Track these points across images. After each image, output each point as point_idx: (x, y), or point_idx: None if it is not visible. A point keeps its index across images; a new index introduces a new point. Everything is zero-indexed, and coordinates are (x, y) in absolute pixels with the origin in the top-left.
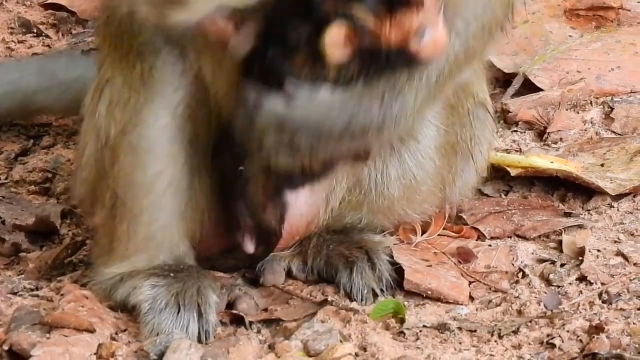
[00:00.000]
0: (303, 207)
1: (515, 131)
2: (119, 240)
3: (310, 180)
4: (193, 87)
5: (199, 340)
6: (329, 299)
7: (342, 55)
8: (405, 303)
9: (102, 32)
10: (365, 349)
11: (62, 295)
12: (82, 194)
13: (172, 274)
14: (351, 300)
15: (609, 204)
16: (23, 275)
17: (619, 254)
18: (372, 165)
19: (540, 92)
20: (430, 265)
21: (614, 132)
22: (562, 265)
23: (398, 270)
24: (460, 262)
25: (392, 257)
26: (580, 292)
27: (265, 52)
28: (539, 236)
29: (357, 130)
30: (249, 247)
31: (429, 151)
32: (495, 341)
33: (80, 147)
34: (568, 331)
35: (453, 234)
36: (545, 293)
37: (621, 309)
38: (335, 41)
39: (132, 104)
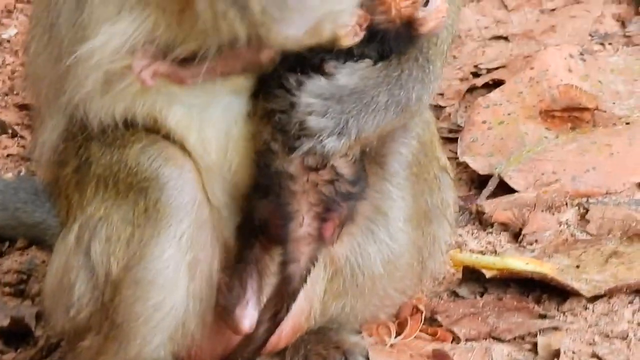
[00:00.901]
0: (302, 300)
1: (491, 232)
2: (105, 354)
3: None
4: (196, 215)
5: None
6: None
7: (353, 38)
8: None
9: (73, 179)
10: None
11: None
12: (70, 329)
13: None
14: None
15: (584, 306)
16: None
17: (594, 355)
18: (348, 250)
19: (516, 194)
20: None
21: (589, 233)
22: None
23: None
24: None
25: (368, 358)
26: None
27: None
28: (515, 338)
29: (402, 97)
30: (246, 321)
31: (399, 223)
32: None
33: (61, 286)
34: None
35: (428, 336)
36: None
37: None
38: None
39: (136, 239)
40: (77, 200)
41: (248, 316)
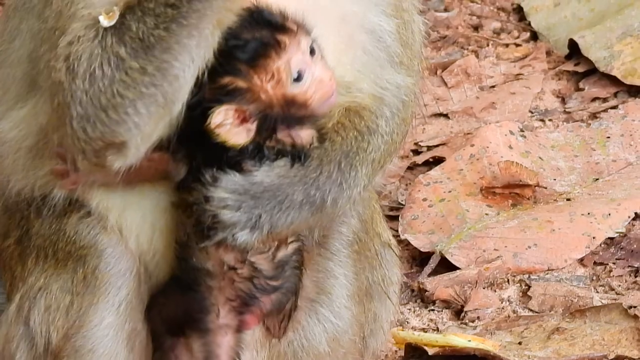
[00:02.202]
0: None
1: (432, 310)
2: None
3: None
4: (134, 284)
5: None
6: None
7: (242, 134)
8: None
9: (15, 251)
10: None
11: None
12: None
13: None
14: None
15: None
16: None
17: None
18: (291, 334)
19: (457, 271)
20: None
21: (531, 310)
22: None
23: None
24: None
25: None
26: None
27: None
28: None
29: (317, 199)
30: None
31: (343, 300)
32: None
33: (2, 358)
34: None
35: None
36: None
37: None
38: (223, 122)
39: (75, 308)
40: (19, 272)
41: None
